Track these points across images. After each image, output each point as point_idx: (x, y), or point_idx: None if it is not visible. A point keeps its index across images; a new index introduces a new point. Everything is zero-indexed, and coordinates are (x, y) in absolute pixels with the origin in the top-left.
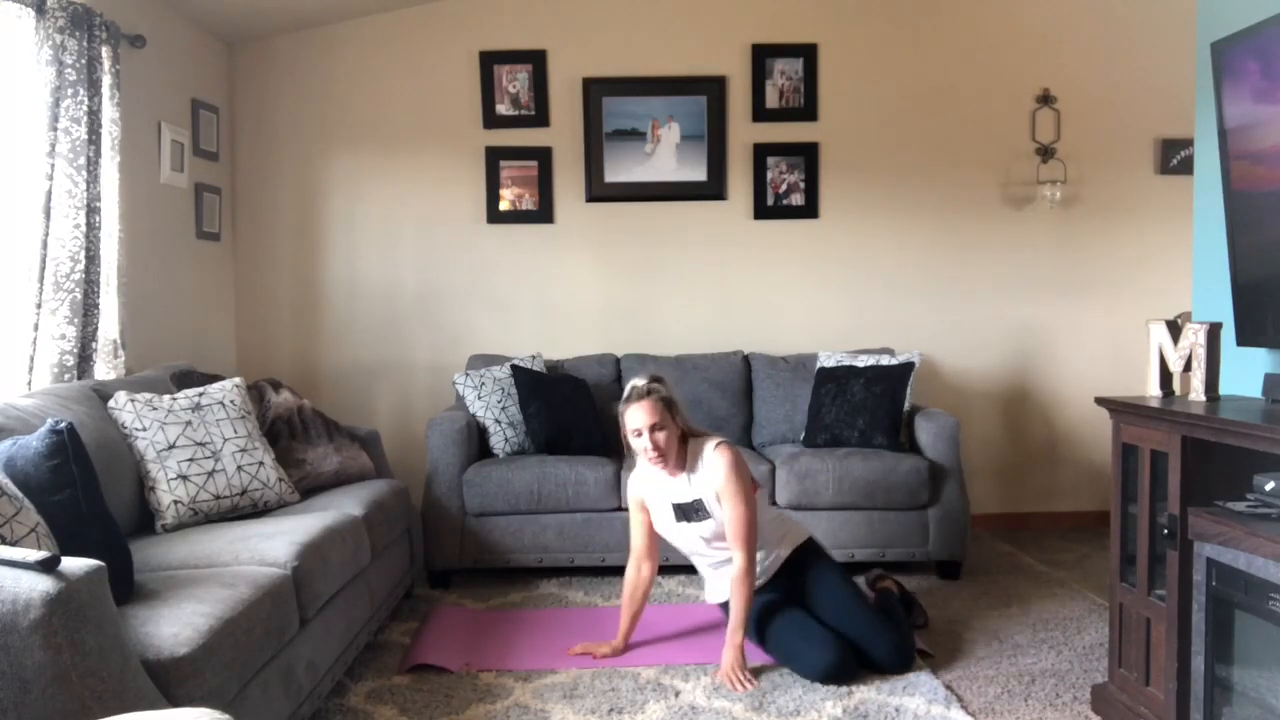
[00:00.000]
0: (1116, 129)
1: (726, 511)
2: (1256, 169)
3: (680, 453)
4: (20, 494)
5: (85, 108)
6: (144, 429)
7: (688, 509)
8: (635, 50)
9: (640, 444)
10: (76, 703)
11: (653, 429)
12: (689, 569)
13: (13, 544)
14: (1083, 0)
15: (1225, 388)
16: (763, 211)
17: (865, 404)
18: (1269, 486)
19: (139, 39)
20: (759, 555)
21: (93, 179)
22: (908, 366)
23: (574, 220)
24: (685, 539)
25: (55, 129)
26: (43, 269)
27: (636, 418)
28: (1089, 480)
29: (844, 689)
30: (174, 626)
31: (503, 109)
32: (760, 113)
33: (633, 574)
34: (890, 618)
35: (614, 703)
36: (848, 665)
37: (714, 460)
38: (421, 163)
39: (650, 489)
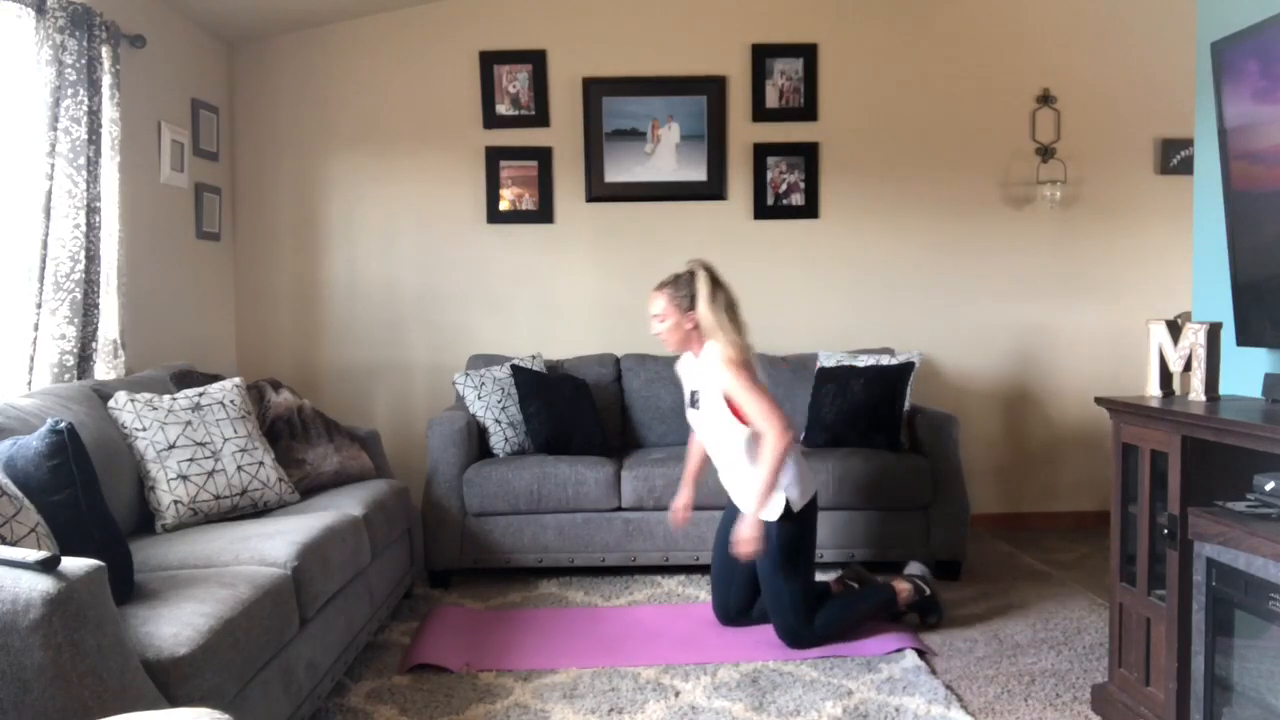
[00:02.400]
0: (1116, 129)
1: (742, 408)
2: (1256, 169)
3: (693, 340)
4: (20, 494)
5: (85, 108)
6: (144, 429)
7: (692, 395)
8: (635, 50)
9: None
10: (76, 703)
11: (654, 317)
12: (689, 569)
13: (13, 544)
14: (1083, 0)
15: (1225, 388)
16: (763, 211)
17: (865, 404)
18: (1269, 486)
19: (139, 39)
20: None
21: (93, 179)
22: (907, 366)
23: (574, 220)
24: (697, 426)
25: (55, 129)
26: (43, 269)
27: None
28: (1089, 480)
29: (844, 689)
30: (174, 626)
31: (503, 109)
32: (760, 113)
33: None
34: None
35: (614, 703)
36: (728, 617)
37: (712, 359)
38: (421, 163)
39: (681, 366)
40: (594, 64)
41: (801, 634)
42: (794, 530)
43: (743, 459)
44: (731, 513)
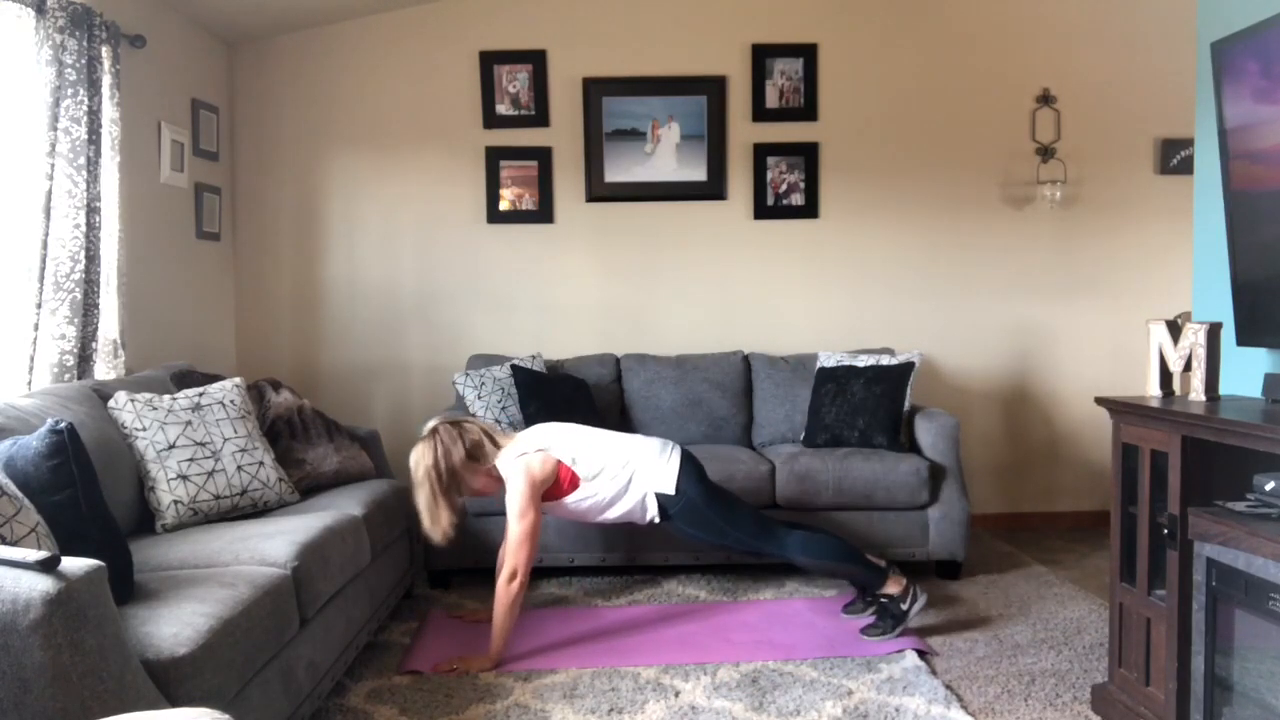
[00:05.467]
0: (1116, 129)
1: (509, 521)
2: (1256, 169)
3: (488, 480)
4: (20, 494)
5: (85, 108)
6: (144, 429)
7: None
8: (635, 50)
9: None
10: (76, 703)
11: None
12: (689, 569)
13: (13, 544)
14: (1083, 0)
15: (1225, 388)
16: (763, 211)
17: (865, 404)
18: (1269, 486)
19: (139, 39)
20: (625, 495)
21: (93, 179)
22: (908, 366)
23: (574, 220)
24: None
25: (55, 129)
26: (43, 269)
27: None
28: (1089, 480)
29: (844, 688)
30: (174, 626)
31: (503, 109)
32: (760, 113)
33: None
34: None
35: (614, 703)
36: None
37: (511, 478)
38: (421, 163)
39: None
40: (594, 64)
41: (770, 549)
42: (685, 505)
43: (603, 491)
44: (667, 522)
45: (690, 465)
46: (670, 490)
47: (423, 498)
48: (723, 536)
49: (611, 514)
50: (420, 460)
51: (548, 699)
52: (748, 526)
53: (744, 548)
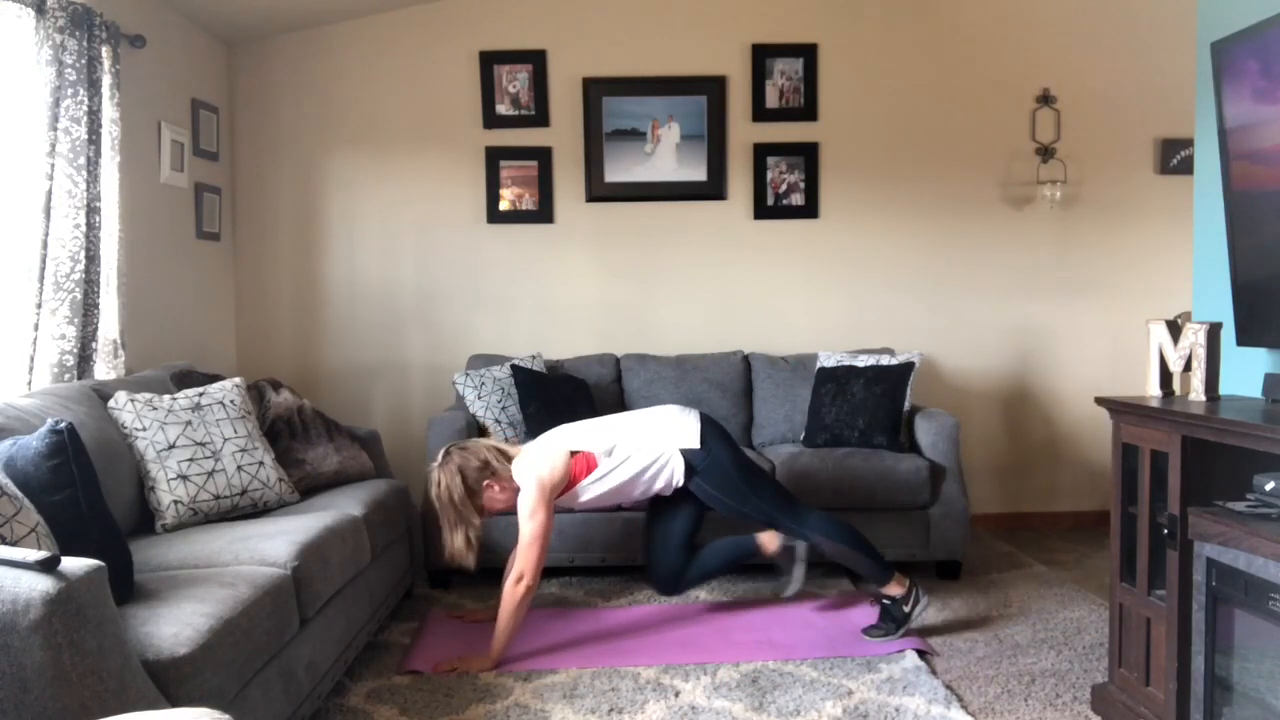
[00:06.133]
0: (1116, 129)
1: (521, 526)
2: (1256, 169)
3: (504, 491)
4: (20, 494)
5: (85, 108)
6: (144, 429)
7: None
8: (635, 50)
9: None
10: (76, 703)
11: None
12: None
13: (13, 544)
14: (1083, 0)
15: (1225, 388)
16: (763, 211)
17: (865, 404)
18: (1269, 486)
19: (139, 39)
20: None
21: (93, 179)
22: (908, 366)
23: (574, 220)
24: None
25: (55, 129)
26: (43, 269)
27: None
28: (1089, 480)
29: (844, 688)
30: (174, 626)
31: (503, 109)
32: (760, 113)
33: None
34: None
35: (614, 703)
36: (667, 586)
37: (524, 481)
38: (421, 163)
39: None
40: (594, 64)
41: (789, 523)
42: (712, 462)
43: (623, 461)
44: (692, 480)
45: (714, 426)
46: (695, 444)
47: (443, 522)
48: (744, 503)
49: (633, 472)
50: (430, 489)
51: (548, 699)
52: (771, 497)
53: (764, 518)
